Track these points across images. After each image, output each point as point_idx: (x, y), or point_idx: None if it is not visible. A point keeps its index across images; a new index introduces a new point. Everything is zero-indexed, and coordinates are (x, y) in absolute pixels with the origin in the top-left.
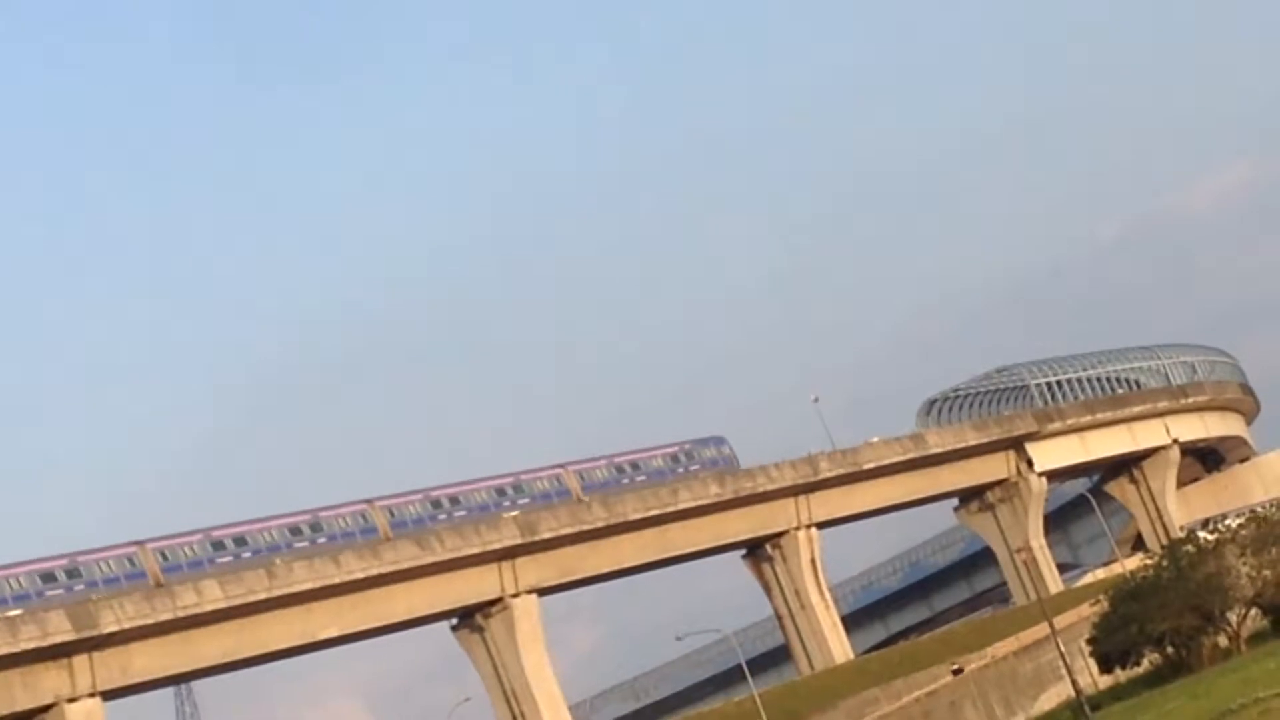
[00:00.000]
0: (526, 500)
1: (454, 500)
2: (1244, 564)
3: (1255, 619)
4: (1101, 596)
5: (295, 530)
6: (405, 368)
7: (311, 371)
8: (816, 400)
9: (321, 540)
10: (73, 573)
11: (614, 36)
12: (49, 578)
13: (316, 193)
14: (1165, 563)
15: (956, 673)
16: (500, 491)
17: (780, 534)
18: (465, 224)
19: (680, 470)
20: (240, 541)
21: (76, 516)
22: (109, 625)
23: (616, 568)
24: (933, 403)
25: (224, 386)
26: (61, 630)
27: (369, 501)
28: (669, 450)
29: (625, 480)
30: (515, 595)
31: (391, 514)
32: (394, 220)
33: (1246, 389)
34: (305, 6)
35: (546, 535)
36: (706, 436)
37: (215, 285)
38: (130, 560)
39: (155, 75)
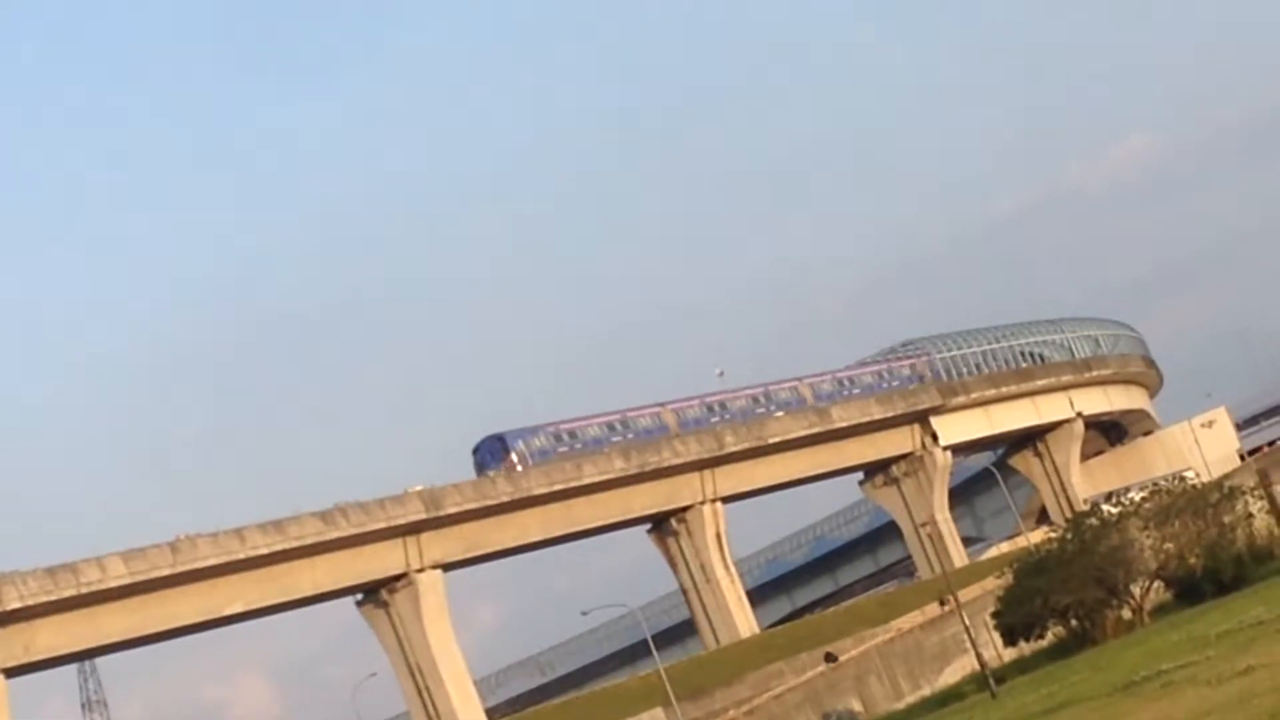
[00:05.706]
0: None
1: (723, 405)
2: (1147, 536)
3: (1158, 591)
4: (1006, 569)
5: (611, 427)
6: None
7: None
8: (722, 374)
9: (630, 436)
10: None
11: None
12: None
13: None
14: (1069, 536)
15: (830, 659)
16: (755, 400)
17: (685, 508)
18: (462, 218)
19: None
20: (573, 435)
21: None
22: (12, 602)
23: (522, 542)
24: None
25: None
26: None
27: (661, 405)
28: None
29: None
30: (420, 570)
31: (678, 415)
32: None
33: (1149, 362)
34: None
35: (451, 510)
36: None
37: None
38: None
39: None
